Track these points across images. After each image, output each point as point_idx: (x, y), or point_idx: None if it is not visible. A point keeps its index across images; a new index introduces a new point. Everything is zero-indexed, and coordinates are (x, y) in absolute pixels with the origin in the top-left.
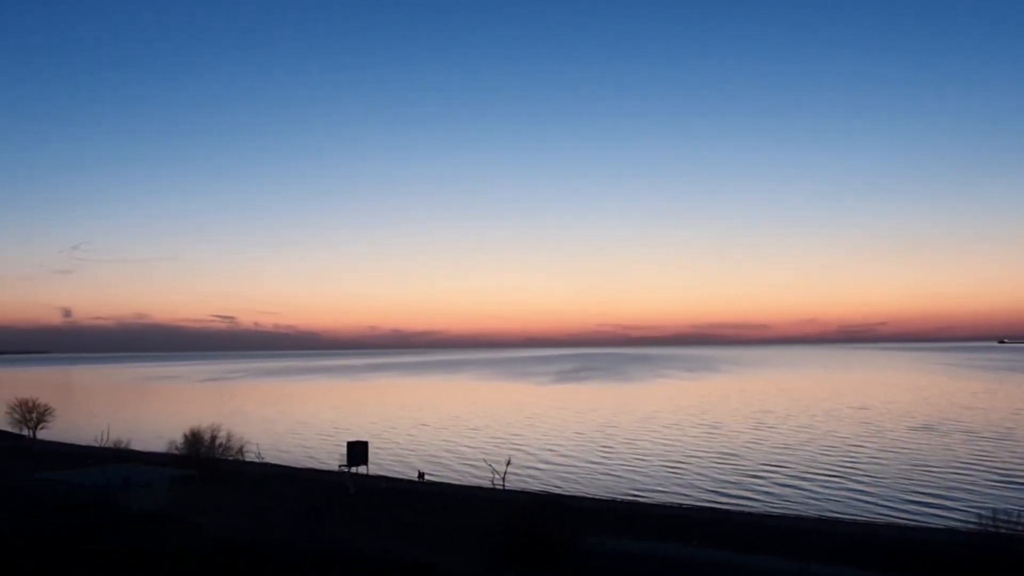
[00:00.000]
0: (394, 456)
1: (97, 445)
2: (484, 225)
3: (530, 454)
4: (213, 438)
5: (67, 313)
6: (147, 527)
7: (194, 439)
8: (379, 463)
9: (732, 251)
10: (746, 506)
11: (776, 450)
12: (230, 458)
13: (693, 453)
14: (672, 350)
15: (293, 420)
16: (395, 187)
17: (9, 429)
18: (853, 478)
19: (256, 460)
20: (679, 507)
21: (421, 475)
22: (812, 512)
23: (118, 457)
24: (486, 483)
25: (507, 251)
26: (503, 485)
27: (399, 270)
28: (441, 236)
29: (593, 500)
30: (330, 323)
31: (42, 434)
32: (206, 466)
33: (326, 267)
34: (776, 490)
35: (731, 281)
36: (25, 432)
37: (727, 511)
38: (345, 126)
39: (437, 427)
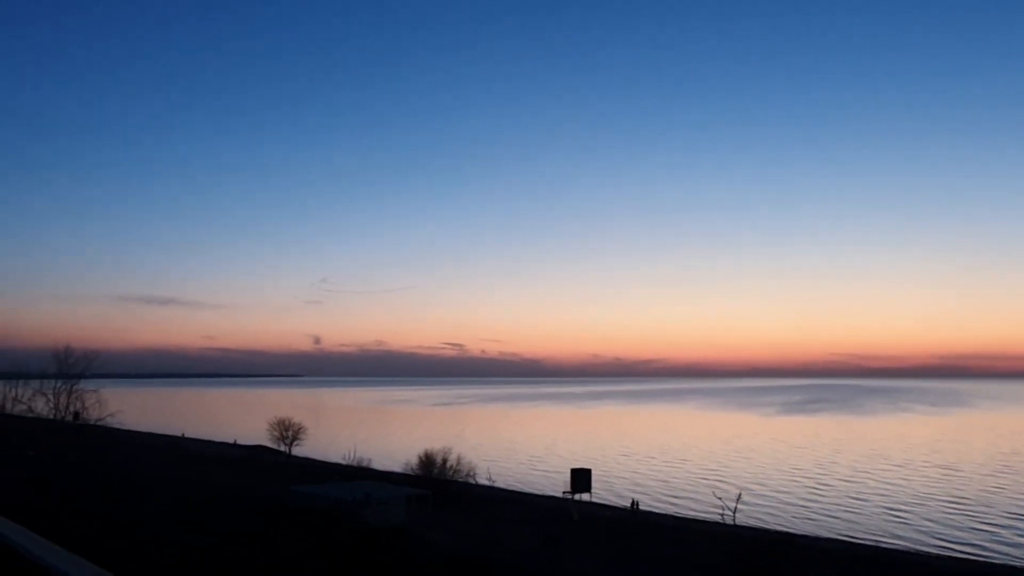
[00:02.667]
0: (616, 485)
1: (343, 462)
2: (710, 252)
3: (756, 489)
4: (444, 460)
5: (316, 340)
6: (387, 540)
7: (427, 460)
8: (601, 491)
9: (985, 273)
10: (996, 558)
11: None
12: (460, 480)
13: (937, 496)
14: (913, 382)
15: (518, 444)
16: (619, 214)
17: (270, 445)
18: None
19: (484, 483)
20: (917, 553)
21: (635, 504)
22: None
23: (360, 474)
24: (710, 516)
25: (732, 277)
26: (733, 520)
27: (622, 298)
28: (665, 263)
29: (823, 540)
30: (553, 350)
31: (296, 450)
32: (438, 486)
33: (550, 295)
34: None
35: (985, 308)
36: (283, 448)
37: (975, 561)
38: (570, 154)
39: (659, 457)
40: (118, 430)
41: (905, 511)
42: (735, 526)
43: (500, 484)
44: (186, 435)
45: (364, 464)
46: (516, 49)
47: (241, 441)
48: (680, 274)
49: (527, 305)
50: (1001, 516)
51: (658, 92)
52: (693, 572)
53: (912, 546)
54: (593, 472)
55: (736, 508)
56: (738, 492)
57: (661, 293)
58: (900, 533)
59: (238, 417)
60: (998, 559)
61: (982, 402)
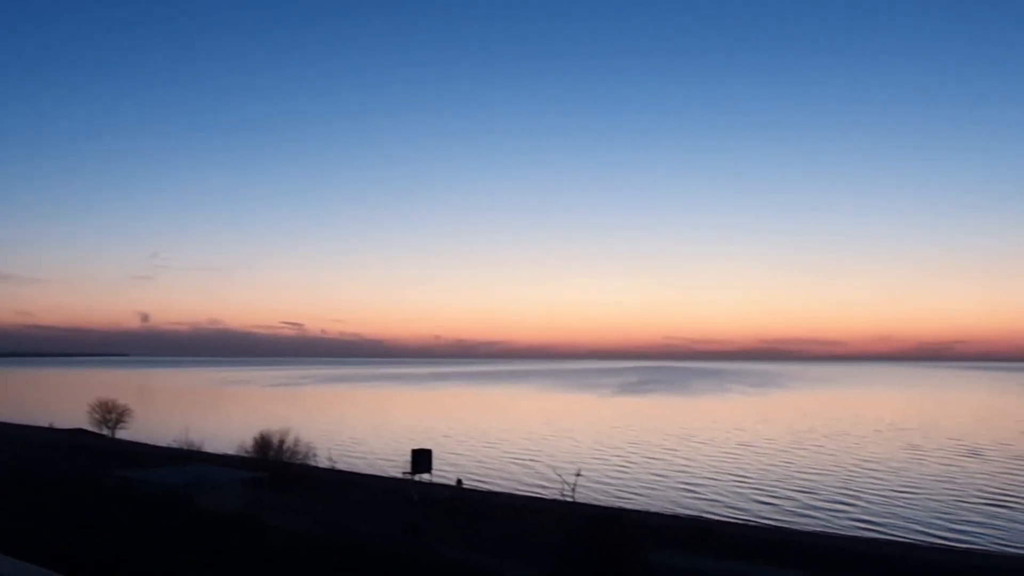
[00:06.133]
0: (458, 465)
1: (174, 446)
2: (551, 236)
3: (594, 466)
4: (282, 442)
5: (145, 318)
6: (224, 526)
7: (264, 442)
8: (443, 472)
9: (805, 265)
10: (815, 526)
11: (847, 470)
12: (298, 462)
13: (760, 470)
14: (739, 365)
15: (359, 426)
16: (463, 198)
17: (90, 428)
18: (937, 501)
19: (323, 465)
20: (744, 525)
21: (459, 482)
22: (894, 534)
23: (192, 458)
24: (552, 494)
25: (574, 262)
26: (572, 497)
27: (465, 280)
28: (508, 247)
29: (657, 515)
30: (395, 331)
31: (121, 434)
32: (275, 469)
33: (392, 275)
34: (854, 511)
35: (803, 296)
36: (105, 432)
37: (795, 531)
38: (416, 136)
39: (500, 437)
40: None
41: (747, 483)
42: (574, 502)
43: (341, 466)
44: None
45: (196, 447)
46: (346, 30)
47: (58, 425)
48: (523, 257)
49: (369, 285)
50: (789, 489)
51: (497, 79)
52: (539, 548)
53: (751, 519)
54: (434, 453)
55: (575, 485)
56: (577, 470)
57: (504, 276)
58: (742, 505)
59: (56, 399)
60: (827, 529)
61: (794, 383)
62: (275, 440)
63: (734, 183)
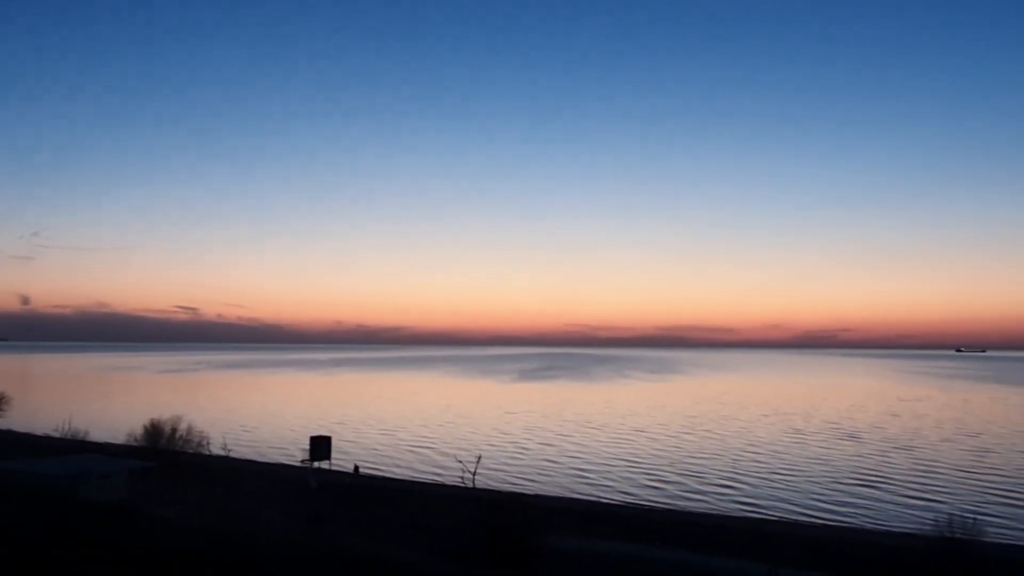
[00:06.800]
0: (358, 452)
1: (55, 435)
2: (453, 222)
3: (494, 452)
4: (174, 430)
5: (25, 300)
6: (107, 518)
7: (154, 430)
8: (339, 459)
9: (701, 255)
10: (709, 508)
11: (734, 453)
12: (191, 451)
13: (651, 454)
14: (638, 351)
15: (255, 413)
16: (363, 181)
17: None
18: (815, 482)
19: (218, 453)
20: (640, 508)
21: (356, 469)
22: (780, 515)
23: (76, 448)
24: (452, 480)
25: (477, 249)
26: (472, 483)
27: (367, 265)
28: (410, 232)
29: (555, 499)
30: (295, 316)
31: None
32: (166, 458)
33: (292, 260)
34: (739, 492)
35: (699, 285)
36: None
37: (690, 512)
38: (321, 117)
39: (402, 423)
40: None
41: (644, 467)
42: (475, 488)
43: (236, 454)
44: None
45: (81, 437)
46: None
47: None
48: (426, 243)
49: (268, 268)
50: (678, 472)
51: (408, 66)
52: (441, 535)
53: (647, 502)
54: (333, 439)
55: (476, 471)
56: (477, 455)
57: (407, 261)
58: (639, 489)
59: None
60: (719, 510)
61: (689, 369)
62: (166, 428)
63: (632, 172)
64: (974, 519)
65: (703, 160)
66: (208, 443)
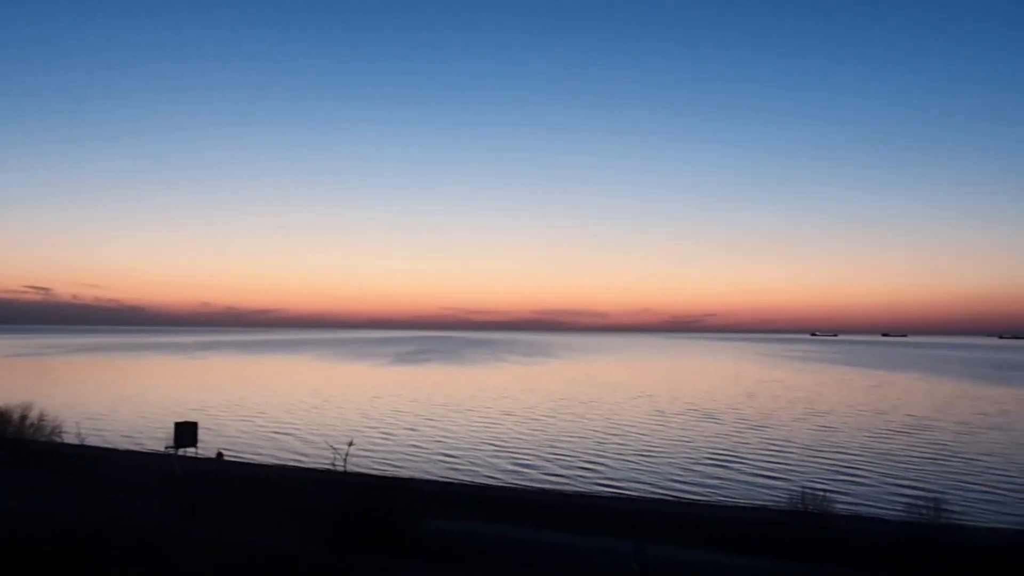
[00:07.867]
0: (226, 438)
1: None
2: (324, 203)
3: (367, 436)
4: (24, 417)
5: None
6: None
7: (1, 418)
8: (203, 445)
9: (575, 241)
10: (580, 488)
11: (600, 435)
12: (43, 439)
13: (518, 436)
14: (513, 335)
15: (115, 399)
16: (233, 158)
17: None
18: (675, 462)
19: (73, 442)
20: (513, 489)
21: (219, 454)
22: (645, 494)
23: None
24: (323, 465)
25: (350, 231)
26: (344, 467)
27: (235, 245)
28: (280, 213)
29: (429, 483)
30: (159, 298)
31: None
32: (14, 447)
33: (156, 237)
34: (610, 472)
35: (573, 270)
36: None
37: (561, 493)
38: (182, 92)
39: (272, 408)
40: None
41: (515, 449)
42: (346, 472)
43: (93, 441)
44: None
45: None
46: None
47: None
48: (298, 224)
49: (130, 248)
50: (547, 454)
51: (274, 44)
52: (313, 520)
53: (519, 484)
54: (200, 425)
55: (347, 455)
56: (349, 440)
57: (277, 242)
58: (510, 471)
59: None
60: (590, 491)
61: (561, 352)
62: (15, 415)
63: (510, 157)
64: (823, 493)
65: (576, 148)
66: (62, 430)
